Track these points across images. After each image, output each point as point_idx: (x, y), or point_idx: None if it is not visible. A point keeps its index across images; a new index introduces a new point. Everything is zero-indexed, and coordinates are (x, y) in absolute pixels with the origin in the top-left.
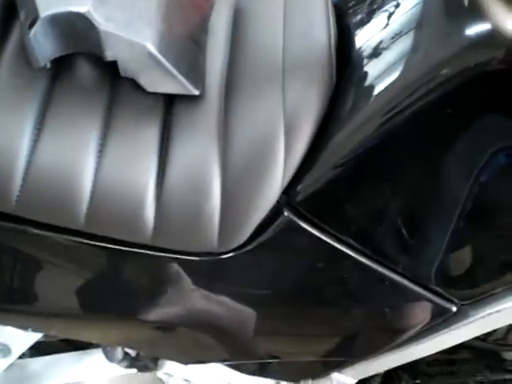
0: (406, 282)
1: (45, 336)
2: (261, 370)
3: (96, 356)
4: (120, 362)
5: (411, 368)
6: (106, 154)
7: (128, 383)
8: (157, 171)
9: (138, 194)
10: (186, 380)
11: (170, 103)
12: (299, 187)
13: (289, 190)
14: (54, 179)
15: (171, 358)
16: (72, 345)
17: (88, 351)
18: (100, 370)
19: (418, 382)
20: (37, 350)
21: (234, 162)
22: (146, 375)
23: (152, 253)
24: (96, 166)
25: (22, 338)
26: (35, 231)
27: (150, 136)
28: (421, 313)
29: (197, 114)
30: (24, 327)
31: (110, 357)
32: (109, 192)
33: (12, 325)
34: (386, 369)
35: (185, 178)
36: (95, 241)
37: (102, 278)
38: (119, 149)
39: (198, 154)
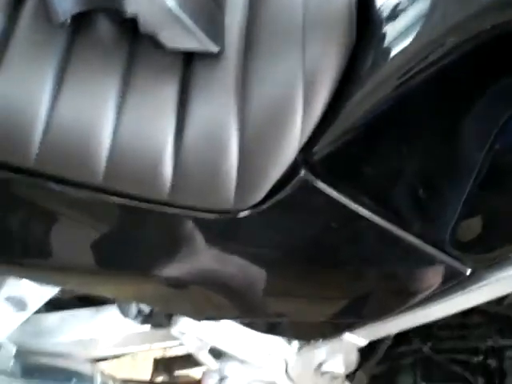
0: (421, 243)
1: (60, 292)
2: (272, 329)
3: (111, 312)
4: (134, 318)
5: (422, 331)
6: (125, 111)
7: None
8: (175, 128)
9: (156, 151)
10: (199, 337)
11: (188, 61)
12: (316, 146)
13: (306, 149)
14: (73, 135)
15: (184, 314)
16: (87, 301)
17: (103, 307)
18: (114, 326)
19: (428, 344)
20: (52, 306)
21: (252, 120)
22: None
23: (168, 210)
24: (115, 122)
25: (38, 293)
26: (53, 186)
27: (169, 94)
28: (434, 275)
29: (215, 72)
30: (40, 281)
31: (124, 312)
32: (127, 149)
33: (28, 278)
34: (398, 331)
35: (203, 135)
36: (113, 196)
37: (117, 233)
38: (138, 106)
39: (217, 112)
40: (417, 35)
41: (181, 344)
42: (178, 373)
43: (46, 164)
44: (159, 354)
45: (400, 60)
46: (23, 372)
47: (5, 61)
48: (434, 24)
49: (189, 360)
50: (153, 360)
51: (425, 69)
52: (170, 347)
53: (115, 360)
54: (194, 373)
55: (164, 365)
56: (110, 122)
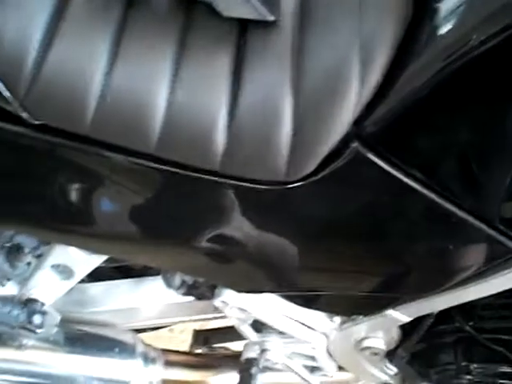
0: (471, 218)
1: (105, 262)
2: (313, 302)
3: (153, 283)
4: (178, 288)
5: (465, 310)
6: (180, 80)
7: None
8: (229, 98)
9: (209, 121)
10: (242, 309)
11: (244, 29)
12: (370, 118)
13: (359, 121)
14: (128, 103)
15: (228, 286)
16: (131, 271)
17: (146, 278)
18: (157, 297)
19: (470, 324)
20: (96, 276)
21: (307, 90)
22: None
23: (219, 179)
24: (169, 91)
25: (84, 262)
26: (106, 154)
27: (224, 62)
28: (482, 252)
29: (271, 42)
30: (86, 249)
31: (168, 283)
32: (181, 117)
33: (75, 246)
34: (441, 308)
35: (257, 104)
36: (165, 165)
37: (164, 202)
38: (193, 75)
39: (271, 82)
40: (474, 9)
41: (222, 316)
42: (217, 345)
43: (100, 131)
44: (198, 326)
45: (458, 33)
46: (66, 340)
47: (62, 29)
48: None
49: (228, 333)
50: (192, 332)
51: (482, 43)
52: (210, 319)
53: (153, 332)
54: (233, 346)
55: (203, 337)
56: (165, 90)
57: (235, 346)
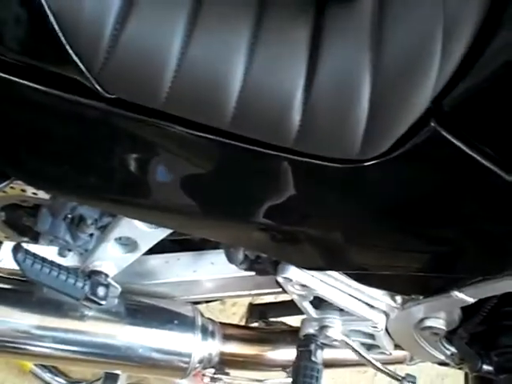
0: None
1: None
2: (376, 281)
3: (215, 257)
4: (240, 263)
5: None
6: (257, 55)
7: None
8: (306, 74)
9: (285, 96)
10: (304, 286)
11: (323, 4)
12: (449, 96)
13: (438, 99)
14: (204, 77)
15: (290, 263)
16: (192, 245)
17: (207, 252)
18: (217, 270)
19: None
20: (157, 248)
21: (387, 66)
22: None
23: (291, 157)
24: (246, 66)
25: (149, 235)
26: (179, 128)
27: (302, 37)
28: None
29: (350, 16)
30: (149, 222)
31: (231, 258)
32: (257, 93)
33: (138, 218)
34: (507, 291)
35: (334, 80)
36: (238, 141)
37: (235, 179)
38: (270, 49)
39: (349, 58)
40: None
41: (282, 292)
42: (272, 320)
43: (174, 106)
44: (252, 300)
45: None
46: (127, 312)
47: (138, 3)
48: None
49: (283, 307)
50: (247, 306)
51: None
52: (269, 294)
53: (204, 304)
54: (288, 320)
55: (258, 311)
56: (241, 65)
57: (290, 320)
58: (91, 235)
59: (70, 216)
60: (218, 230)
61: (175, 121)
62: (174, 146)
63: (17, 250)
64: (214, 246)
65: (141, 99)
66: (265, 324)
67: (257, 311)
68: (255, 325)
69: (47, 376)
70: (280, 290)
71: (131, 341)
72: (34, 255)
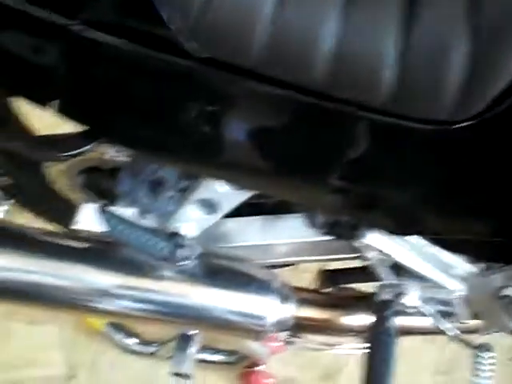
0: None
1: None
2: (457, 247)
3: (292, 221)
4: (319, 227)
5: None
6: (351, 13)
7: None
8: (401, 33)
9: (379, 56)
10: (383, 251)
11: None
12: None
13: None
14: (295, 38)
15: (370, 226)
16: (269, 209)
17: (284, 215)
18: (294, 234)
19: None
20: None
21: (484, 27)
22: None
23: (381, 118)
24: (339, 24)
25: (230, 197)
26: (267, 88)
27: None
28: None
29: None
30: (229, 183)
31: (310, 221)
32: (350, 52)
33: (220, 179)
34: None
35: (430, 41)
36: (330, 102)
37: (314, 139)
38: (364, 8)
39: (446, 18)
40: None
41: (358, 257)
42: (345, 286)
43: (265, 65)
44: (321, 267)
45: None
46: (205, 273)
47: None
48: None
49: (356, 273)
50: (319, 271)
51: None
52: (345, 259)
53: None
54: (360, 287)
55: (331, 276)
56: (334, 25)
57: (363, 286)
58: (170, 197)
59: (150, 178)
60: (295, 190)
61: (263, 80)
62: (258, 104)
63: (102, 211)
64: (292, 210)
65: (233, 57)
66: (337, 290)
67: (328, 277)
68: (328, 290)
69: (118, 336)
70: (354, 255)
71: (208, 302)
72: (119, 216)
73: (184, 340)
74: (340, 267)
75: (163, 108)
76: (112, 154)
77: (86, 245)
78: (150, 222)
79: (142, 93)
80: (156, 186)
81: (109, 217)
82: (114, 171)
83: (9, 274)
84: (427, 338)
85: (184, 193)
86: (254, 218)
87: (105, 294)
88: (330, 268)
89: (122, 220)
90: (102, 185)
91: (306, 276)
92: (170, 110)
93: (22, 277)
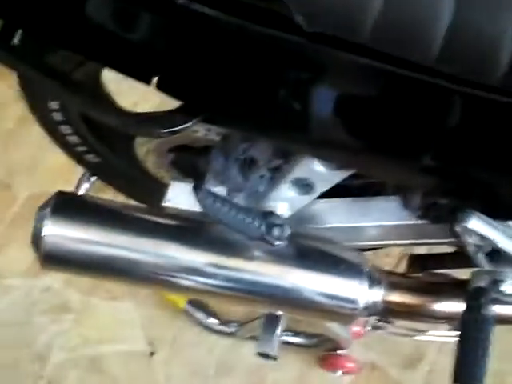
0: None
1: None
2: None
3: (384, 203)
4: (415, 210)
5: None
6: None
7: None
8: None
9: (496, 36)
10: (484, 236)
11: None
12: None
13: None
14: (410, 12)
15: (472, 209)
16: (361, 190)
17: (376, 198)
18: (385, 217)
19: None
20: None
21: None
22: None
23: (498, 97)
24: (456, 3)
25: (327, 177)
26: (378, 65)
27: None
28: None
29: None
30: (324, 160)
31: (406, 204)
32: (465, 28)
33: (319, 157)
34: None
35: None
36: (434, 78)
37: (418, 117)
38: None
39: None
40: None
41: (452, 242)
42: (435, 272)
43: (378, 41)
44: (405, 251)
45: None
46: (294, 254)
47: None
48: None
49: (446, 259)
50: (409, 256)
51: None
52: (437, 244)
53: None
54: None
55: (420, 261)
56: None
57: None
58: (262, 176)
59: (241, 157)
60: (388, 170)
61: (375, 56)
62: (354, 78)
63: (198, 188)
64: (385, 192)
65: (344, 33)
66: (427, 275)
67: (417, 262)
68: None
69: (199, 315)
70: (449, 240)
71: (298, 283)
72: (214, 194)
73: (271, 321)
74: (429, 252)
75: (261, 83)
76: (204, 132)
77: (178, 222)
78: (239, 200)
79: (240, 67)
80: (247, 165)
81: (204, 195)
82: (202, 150)
83: (102, 249)
84: None
85: (276, 172)
86: (345, 199)
87: (196, 271)
88: (419, 253)
89: (217, 198)
90: (191, 163)
91: (388, 261)
92: (268, 85)
93: (115, 252)
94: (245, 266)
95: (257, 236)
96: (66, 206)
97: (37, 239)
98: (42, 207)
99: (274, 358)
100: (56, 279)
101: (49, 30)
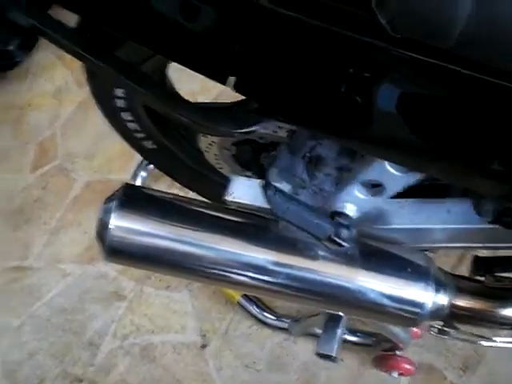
0: None
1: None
2: None
3: (452, 205)
4: (485, 214)
5: None
6: None
7: None
8: None
9: None
10: None
11: None
12: None
13: None
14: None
15: None
16: (429, 191)
17: (444, 200)
18: (453, 220)
19: None
20: None
21: None
22: None
23: None
24: None
25: (398, 179)
26: (465, 72)
27: None
28: None
29: None
30: (397, 162)
31: (477, 207)
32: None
33: (378, 156)
34: None
35: None
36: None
37: (484, 119)
38: None
39: None
40: None
41: None
42: (500, 274)
43: (465, 47)
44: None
45: None
46: (360, 255)
47: None
48: None
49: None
50: (473, 258)
51: None
52: (501, 248)
53: None
54: None
55: (484, 264)
56: None
57: None
58: (327, 175)
59: (308, 155)
60: (454, 173)
61: (457, 62)
62: (436, 84)
63: (267, 186)
64: (453, 194)
65: (431, 39)
66: (492, 279)
67: (482, 264)
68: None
69: (253, 309)
70: None
71: (363, 284)
72: (283, 193)
73: (333, 321)
74: (494, 255)
75: (340, 87)
76: (273, 129)
77: (241, 219)
78: (302, 198)
79: (319, 69)
80: (314, 163)
81: (273, 193)
82: (265, 145)
83: (167, 243)
84: None
85: (343, 171)
86: (413, 199)
87: (260, 269)
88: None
89: (286, 197)
90: (252, 157)
91: (446, 260)
92: (347, 89)
93: (179, 247)
94: (309, 265)
95: (325, 237)
96: (133, 199)
97: (102, 232)
98: (108, 200)
99: (334, 360)
100: (110, 266)
101: (130, 27)
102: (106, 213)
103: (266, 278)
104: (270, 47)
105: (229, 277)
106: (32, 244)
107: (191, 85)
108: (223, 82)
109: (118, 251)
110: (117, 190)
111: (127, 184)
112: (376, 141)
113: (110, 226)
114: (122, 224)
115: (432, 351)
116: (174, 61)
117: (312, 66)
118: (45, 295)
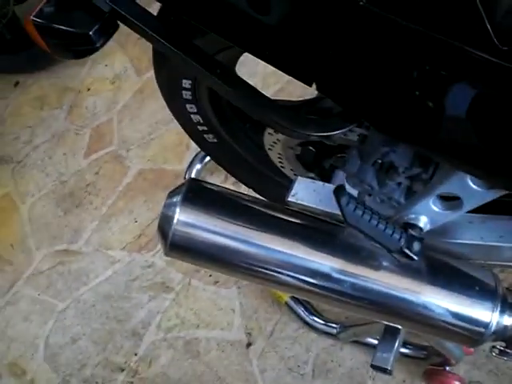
0: None
1: None
2: None
3: None
4: None
5: None
6: None
7: None
8: None
9: None
10: None
11: None
12: None
13: None
14: None
15: None
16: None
17: None
18: None
19: None
20: None
21: None
22: None
23: None
24: None
25: (477, 194)
26: None
27: None
28: None
29: None
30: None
31: None
32: None
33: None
34: None
35: None
36: None
37: None
38: None
39: None
40: None
41: None
42: None
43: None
44: None
45: None
46: (427, 269)
47: None
48: None
49: None
50: None
51: None
52: None
53: None
54: None
55: None
56: None
57: None
58: (399, 184)
59: (379, 161)
60: None
61: None
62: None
63: (340, 193)
64: None
65: None
66: None
67: None
68: None
69: (302, 312)
70: None
71: (429, 300)
72: (356, 201)
73: (391, 333)
74: None
75: (428, 95)
76: (345, 132)
77: (305, 222)
78: (369, 205)
79: (409, 75)
80: (385, 171)
81: (346, 200)
82: (332, 147)
83: (229, 241)
84: None
85: (416, 182)
86: (484, 215)
87: (323, 275)
88: None
89: (359, 205)
90: (316, 159)
91: (502, 276)
92: (436, 98)
93: (241, 246)
94: (374, 275)
95: (396, 249)
96: (198, 194)
97: (165, 226)
98: (173, 194)
99: (390, 373)
100: (159, 257)
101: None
102: (170, 207)
103: (329, 285)
104: (367, 53)
105: (291, 281)
106: (82, 229)
107: (251, 80)
108: (309, 84)
109: (180, 247)
110: (181, 185)
111: (192, 179)
112: (469, 156)
113: (174, 221)
114: (186, 219)
115: (482, 369)
116: (265, 61)
117: (401, 71)
118: (91, 281)
